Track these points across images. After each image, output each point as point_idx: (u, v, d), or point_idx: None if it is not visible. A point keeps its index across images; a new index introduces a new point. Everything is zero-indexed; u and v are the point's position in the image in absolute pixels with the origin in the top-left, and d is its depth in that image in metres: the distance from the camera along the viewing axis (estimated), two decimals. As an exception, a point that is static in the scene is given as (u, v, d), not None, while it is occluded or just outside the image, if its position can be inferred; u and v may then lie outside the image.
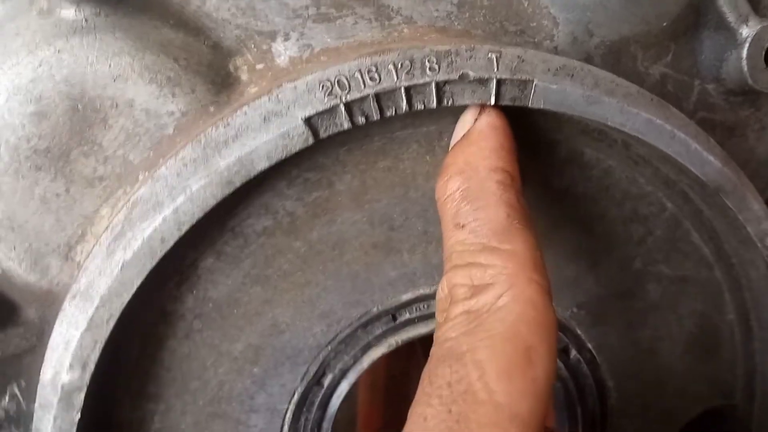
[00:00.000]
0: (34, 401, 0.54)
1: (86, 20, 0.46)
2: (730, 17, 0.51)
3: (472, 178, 0.43)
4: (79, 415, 0.45)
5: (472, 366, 0.36)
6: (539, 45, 0.52)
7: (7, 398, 0.55)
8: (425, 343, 0.87)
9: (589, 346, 0.55)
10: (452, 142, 0.47)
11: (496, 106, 0.45)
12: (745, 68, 0.52)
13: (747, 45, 0.51)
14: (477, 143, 0.44)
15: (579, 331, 0.55)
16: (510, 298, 0.38)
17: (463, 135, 0.45)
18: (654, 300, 0.55)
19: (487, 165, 0.43)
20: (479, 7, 0.51)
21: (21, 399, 0.55)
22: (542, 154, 0.52)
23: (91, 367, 0.45)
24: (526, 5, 0.52)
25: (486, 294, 0.38)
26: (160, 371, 0.51)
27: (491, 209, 0.41)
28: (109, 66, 0.46)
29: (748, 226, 0.49)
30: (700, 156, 0.47)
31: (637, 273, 0.55)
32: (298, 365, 0.53)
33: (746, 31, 0.51)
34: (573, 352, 0.55)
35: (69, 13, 0.46)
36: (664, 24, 0.52)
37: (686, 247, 0.54)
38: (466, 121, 0.46)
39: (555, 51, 0.52)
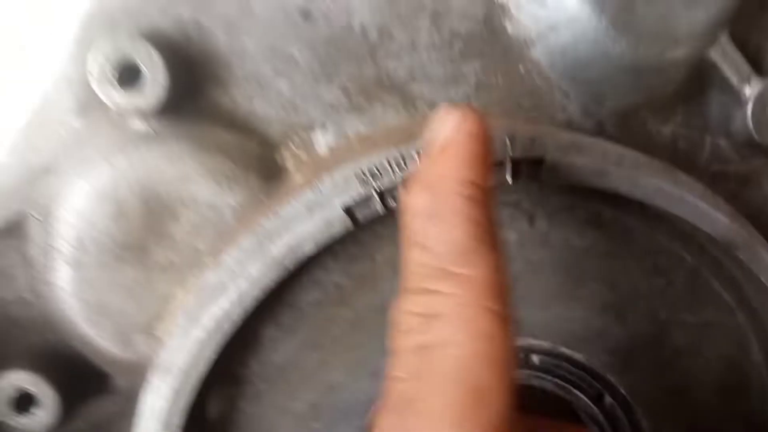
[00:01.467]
0: (123, 461, 0.62)
1: (153, 130, 0.54)
2: (733, 79, 0.55)
3: (438, 193, 0.39)
4: (166, 475, 0.52)
5: (425, 417, 0.34)
6: (553, 117, 0.57)
7: (100, 459, 0.63)
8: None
9: (622, 391, 0.59)
10: (426, 146, 0.43)
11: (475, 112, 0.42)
12: (751, 125, 0.55)
13: (750, 104, 0.55)
14: (449, 153, 0.40)
15: (611, 378, 0.58)
16: (462, 331, 0.35)
17: (438, 142, 0.41)
18: (680, 346, 0.59)
19: (456, 178, 0.39)
20: (495, 87, 0.57)
21: (112, 460, 0.63)
22: (563, 216, 0.56)
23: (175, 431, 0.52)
24: (538, 82, 0.56)
25: (438, 326, 0.36)
26: (234, 430, 0.57)
27: (454, 229, 0.38)
28: (175, 169, 0.54)
29: (761, 276, 0.52)
30: (709, 215, 0.51)
31: (662, 321, 0.58)
32: (353, 419, 0.58)
33: (749, 91, 0.55)
34: (607, 398, 0.59)
35: (137, 124, 0.54)
36: (670, 90, 0.56)
37: (707, 295, 0.57)
38: (441, 124, 0.42)
39: (568, 122, 0.57)
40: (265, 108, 0.56)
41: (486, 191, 0.39)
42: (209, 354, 0.51)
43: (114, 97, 0.51)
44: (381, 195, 0.50)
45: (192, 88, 0.54)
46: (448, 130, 0.41)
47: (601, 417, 0.58)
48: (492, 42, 0.55)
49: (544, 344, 0.57)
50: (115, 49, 0.49)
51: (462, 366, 0.34)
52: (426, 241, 0.38)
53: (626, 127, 0.57)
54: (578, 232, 0.56)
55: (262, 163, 0.56)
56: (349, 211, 0.50)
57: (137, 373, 0.58)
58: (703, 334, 0.58)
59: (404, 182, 0.45)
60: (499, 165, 0.50)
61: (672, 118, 0.58)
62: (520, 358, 0.57)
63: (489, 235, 0.38)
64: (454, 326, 0.35)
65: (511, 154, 0.50)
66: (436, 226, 0.38)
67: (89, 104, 0.54)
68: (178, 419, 0.52)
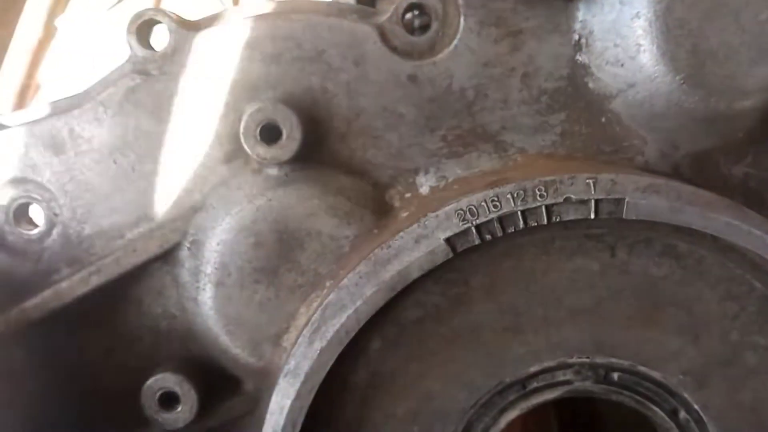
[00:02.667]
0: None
1: (286, 175, 0.65)
2: (798, 125, 0.61)
3: None
4: (291, 464, 0.62)
5: None
6: (632, 160, 0.64)
7: (221, 454, 0.73)
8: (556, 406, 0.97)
9: (696, 407, 0.64)
10: None
11: None
12: (815, 166, 0.60)
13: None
14: None
15: (686, 395, 0.64)
16: None
17: None
18: (752, 366, 0.63)
19: None
20: (579, 134, 0.64)
21: (233, 456, 0.73)
22: (641, 248, 0.62)
23: (298, 427, 0.61)
24: (618, 130, 0.64)
25: None
26: (344, 430, 0.66)
27: None
28: (304, 207, 0.64)
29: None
30: (776, 248, 0.57)
31: (735, 343, 0.63)
32: (447, 426, 0.66)
33: (812, 135, 0.60)
34: (682, 413, 0.64)
35: (274, 171, 0.65)
36: (740, 135, 0.62)
37: (778, 321, 0.62)
38: None
39: (645, 164, 0.64)
40: (377, 156, 0.66)
41: None
42: (329, 362, 0.60)
43: (258, 150, 0.62)
44: (478, 229, 0.58)
45: (318, 141, 0.65)
46: None
47: (676, 431, 0.63)
48: (576, 96, 0.63)
49: (624, 363, 0.63)
50: (260, 112, 0.61)
51: None
52: None
53: (700, 169, 0.64)
54: (656, 262, 0.62)
55: (374, 202, 0.66)
56: (449, 242, 0.59)
57: (264, 378, 0.68)
58: (774, 356, 0.63)
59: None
60: (584, 203, 0.58)
61: (743, 160, 0.64)
62: (601, 374, 0.64)
63: None
64: None
65: (594, 194, 0.57)
66: None
67: (234, 155, 0.65)
68: (301, 418, 0.61)
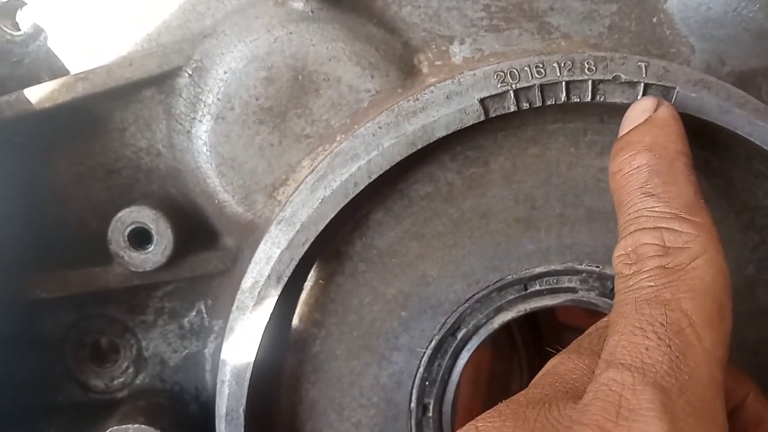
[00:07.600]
0: (215, 318, 0.66)
1: (312, 11, 0.59)
2: None
3: (661, 156, 0.47)
4: (268, 319, 0.56)
5: (681, 313, 0.41)
6: (677, 68, 0.61)
7: (194, 313, 0.66)
8: (528, 343, 0.94)
9: (698, 337, 0.61)
10: (626, 124, 0.51)
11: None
12: None
13: None
14: (663, 127, 0.49)
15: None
16: (704, 261, 0.44)
17: (646, 119, 0.50)
18: (761, 304, 0.61)
19: (675, 147, 0.48)
20: (627, 31, 0.61)
21: (205, 315, 0.66)
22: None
23: (284, 281, 0.56)
24: (667, 33, 0.61)
25: (680, 255, 0.44)
26: (327, 302, 0.61)
27: (681, 185, 0.46)
28: (327, 48, 0.59)
29: None
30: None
31: (749, 277, 0.61)
32: (438, 315, 0.61)
33: None
34: (682, 341, 0.61)
35: (299, 4, 0.59)
36: (791, 60, 0.60)
37: (798, 259, 0.60)
38: (646, 107, 0.50)
39: (690, 74, 0.60)
40: (412, 14, 0.61)
41: (693, 164, 0.48)
42: (330, 213, 0.55)
43: (290, -30, 0.56)
44: (516, 94, 0.54)
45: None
46: (654, 111, 0.50)
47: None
48: (632, -12, 0.60)
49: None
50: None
51: (708, 287, 0.43)
52: (657, 192, 0.46)
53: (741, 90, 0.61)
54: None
55: (402, 62, 0.61)
56: (483, 103, 0.54)
57: (248, 234, 0.62)
58: (788, 294, 0.60)
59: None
60: (632, 86, 0.54)
61: (786, 90, 0.61)
62: (608, 287, 0.60)
63: (704, 197, 0.47)
64: (698, 257, 0.44)
65: (645, 78, 0.53)
66: (665, 181, 0.47)
67: (255, -17, 0.60)
68: (289, 270, 0.56)
